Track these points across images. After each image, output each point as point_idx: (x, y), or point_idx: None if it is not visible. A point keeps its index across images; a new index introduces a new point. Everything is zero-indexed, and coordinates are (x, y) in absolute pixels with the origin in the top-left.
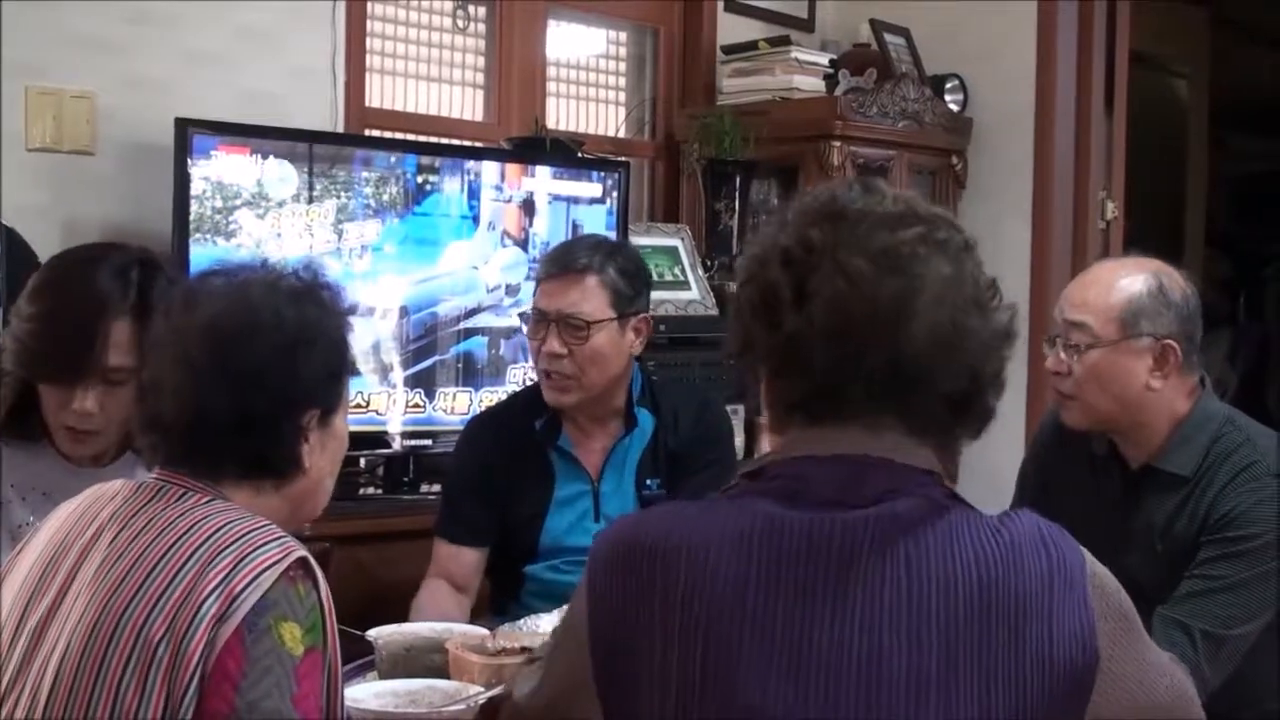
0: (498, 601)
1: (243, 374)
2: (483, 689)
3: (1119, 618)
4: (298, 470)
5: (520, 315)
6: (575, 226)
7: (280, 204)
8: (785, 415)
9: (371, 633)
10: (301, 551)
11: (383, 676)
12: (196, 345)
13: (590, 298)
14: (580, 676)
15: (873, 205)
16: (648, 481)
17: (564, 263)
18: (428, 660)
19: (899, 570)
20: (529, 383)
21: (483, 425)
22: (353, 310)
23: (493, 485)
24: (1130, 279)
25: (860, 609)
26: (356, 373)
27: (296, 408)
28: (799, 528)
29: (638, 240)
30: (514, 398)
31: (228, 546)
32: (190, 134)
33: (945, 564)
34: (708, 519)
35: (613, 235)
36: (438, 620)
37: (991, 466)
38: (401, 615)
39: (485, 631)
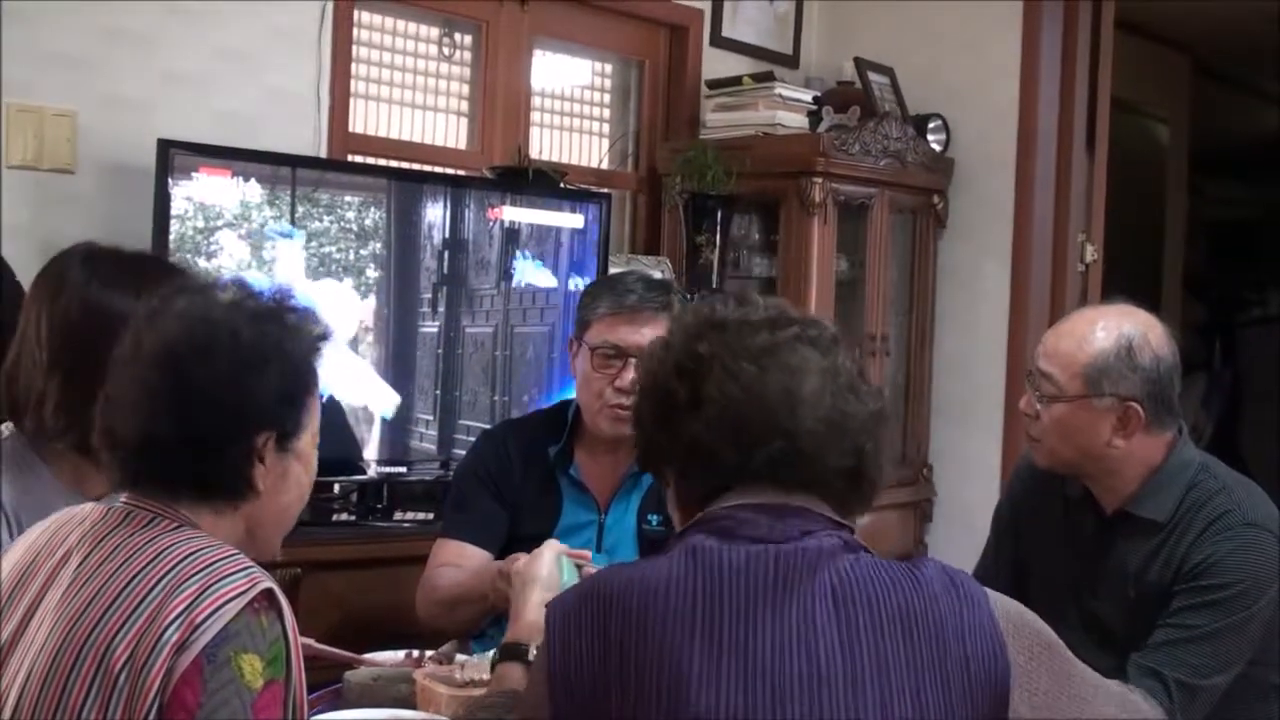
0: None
1: (193, 395)
2: None
3: (1030, 635)
4: (251, 492)
5: (574, 346)
6: (556, 256)
7: (261, 226)
8: (697, 508)
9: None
10: (268, 583)
11: (349, 706)
12: (151, 364)
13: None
14: None
15: (748, 314)
16: (649, 516)
17: (641, 300)
18: (395, 690)
19: (827, 593)
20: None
21: (505, 433)
22: (324, 336)
23: (507, 490)
24: (1103, 335)
25: (797, 623)
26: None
27: (247, 430)
28: (738, 557)
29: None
30: (534, 417)
31: (193, 575)
32: (172, 155)
33: (868, 588)
34: (654, 561)
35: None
36: (465, 576)
37: (966, 507)
38: (371, 643)
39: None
